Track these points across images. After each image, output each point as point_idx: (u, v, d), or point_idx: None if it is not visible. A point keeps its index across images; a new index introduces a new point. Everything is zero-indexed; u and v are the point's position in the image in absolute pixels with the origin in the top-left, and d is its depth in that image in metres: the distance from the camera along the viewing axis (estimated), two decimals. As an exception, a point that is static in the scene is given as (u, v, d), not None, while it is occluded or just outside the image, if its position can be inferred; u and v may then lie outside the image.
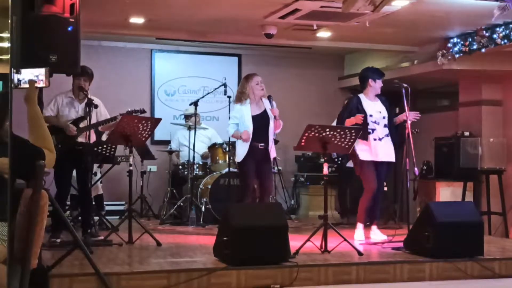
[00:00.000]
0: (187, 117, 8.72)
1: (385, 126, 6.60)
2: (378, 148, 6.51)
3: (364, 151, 6.49)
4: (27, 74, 3.41)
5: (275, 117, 6.51)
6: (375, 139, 6.51)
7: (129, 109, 6.59)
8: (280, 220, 5.24)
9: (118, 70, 9.36)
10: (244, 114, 6.52)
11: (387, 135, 6.59)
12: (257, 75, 6.68)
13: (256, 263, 4.94)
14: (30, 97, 3.37)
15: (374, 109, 6.58)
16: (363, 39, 8.38)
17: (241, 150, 6.53)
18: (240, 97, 6.62)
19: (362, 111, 6.51)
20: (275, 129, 6.59)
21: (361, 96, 6.69)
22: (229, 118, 6.76)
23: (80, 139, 6.22)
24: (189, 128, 8.16)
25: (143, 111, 6.72)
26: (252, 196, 6.65)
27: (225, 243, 5.00)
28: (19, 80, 3.39)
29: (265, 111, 6.59)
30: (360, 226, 6.59)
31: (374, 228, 6.65)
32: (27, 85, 3.39)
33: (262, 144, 6.51)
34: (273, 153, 6.66)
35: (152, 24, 7.62)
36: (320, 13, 6.75)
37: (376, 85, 6.65)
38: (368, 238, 6.53)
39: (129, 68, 9.45)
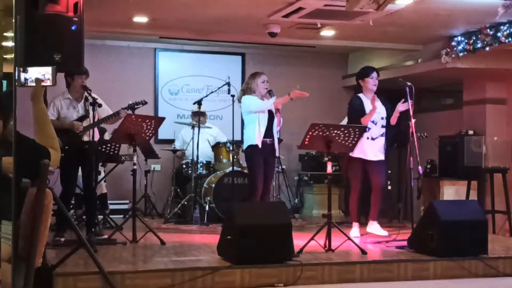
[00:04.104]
0: (194, 114, 8.68)
1: (382, 126, 6.59)
2: (367, 147, 6.49)
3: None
4: (34, 73, 3.42)
5: (278, 110, 6.66)
6: (367, 138, 6.49)
7: (131, 102, 6.58)
8: (284, 219, 5.24)
9: (122, 69, 9.38)
10: (259, 102, 6.62)
11: (381, 135, 6.59)
12: (264, 74, 6.75)
13: (260, 261, 4.94)
14: (36, 96, 3.38)
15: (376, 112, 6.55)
16: (367, 37, 8.37)
17: (255, 135, 6.55)
18: (247, 91, 6.73)
19: (363, 111, 6.50)
20: (277, 126, 6.74)
21: (361, 96, 6.66)
22: (245, 107, 6.70)
23: (85, 137, 6.22)
24: (193, 127, 8.15)
25: (145, 103, 6.71)
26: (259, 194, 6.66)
27: (229, 242, 5.00)
28: (26, 79, 3.40)
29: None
30: (355, 225, 6.66)
31: (374, 223, 6.63)
32: (33, 84, 3.40)
33: (271, 140, 6.67)
34: (277, 152, 6.77)
35: (156, 23, 7.63)
36: (324, 11, 6.75)
37: (365, 84, 6.62)
38: (365, 234, 6.54)
39: (133, 67, 9.46)
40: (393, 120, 6.59)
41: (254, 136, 6.57)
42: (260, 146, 6.56)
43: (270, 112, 6.70)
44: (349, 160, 6.54)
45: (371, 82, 6.60)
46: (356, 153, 6.42)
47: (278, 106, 6.61)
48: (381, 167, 6.57)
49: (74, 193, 6.55)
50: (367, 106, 6.54)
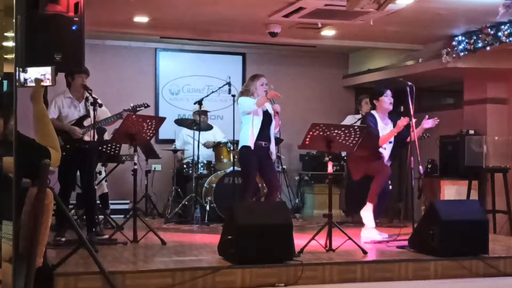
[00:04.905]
0: (196, 114, 8.68)
1: (391, 149, 6.58)
2: None
3: None
4: (33, 73, 3.42)
5: (277, 113, 6.71)
6: None
7: (132, 104, 6.59)
8: (284, 218, 5.23)
9: (122, 69, 9.38)
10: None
11: (390, 158, 6.59)
12: (264, 76, 6.81)
13: (260, 261, 4.94)
14: (36, 96, 3.39)
15: (384, 134, 6.50)
16: (368, 37, 8.37)
17: (248, 136, 6.61)
18: (244, 93, 6.78)
19: (377, 129, 6.45)
20: (275, 128, 6.82)
21: (375, 114, 6.59)
22: (240, 108, 6.78)
23: (86, 137, 6.23)
24: (194, 128, 8.15)
25: (147, 106, 6.72)
26: (255, 193, 6.70)
27: (230, 241, 5.00)
28: (25, 79, 3.40)
29: (267, 111, 6.77)
30: (370, 208, 6.40)
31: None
32: (33, 84, 3.40)
33: (266, 142, 6.71)
34: (273, 154, 6.86)
35: (156, 23, 7.63)
36: (324, 11, 6.75)
37: (380, 103, 6.54)
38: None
39: (133, 67, 9.46)
40: (413, 136, 6.30)
41: (247, 137, 6.62)
42: (252, 147, 6.59)
43: (267, 114, 6.73)
44: (368, 160, 6.47)
45: (387, 101, 6.52)
46: None
47: (278, 109, 6.67)
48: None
49: (72, 192, 6.52)
50: (380, 125, 6.51)
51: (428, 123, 6.45)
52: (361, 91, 9.59)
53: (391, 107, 6.58)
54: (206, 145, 8.56)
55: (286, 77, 9.89)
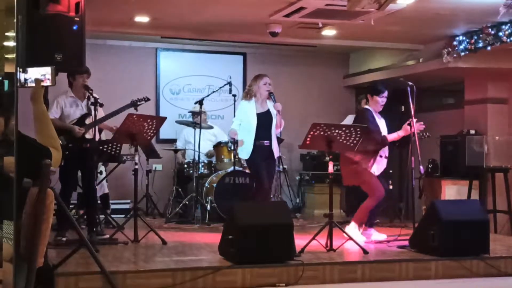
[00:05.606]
0: (194, 114, 8.71)
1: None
2: (379, 165, 6.46)
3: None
4: (33, 73, 3.42)
5: (278, 111, 6.67)
6: (381, 156, 6.44)
7: (133, 99, 6.60)
8: (285, 218, 5.24)
9: (123, 69, 9.38)
10: (249, 111, 6.67)
11: (386, 157, 6.57)
12: (267, 76, 6.81)
13: (261, 261, 4.94)
14: (36, 96, 3.39)
15: (381, 128, 6.49)
16: (368, 37, 8.37)
17: (246, 147, 6.65)
18: (247, 94, 6.79)
19: (376, 124, 6.42)
20: (277, 128, 6.77)
21: (371, 109, 6.54)
22: (234, 116, 6.90)
23: (87, 135, 6.24)
24: (194, 127, 8.16)
25: (147, 99, 6.73)
26: (266, 194, 6.67)
27: (231, 241, 5.00)
28: (25, 79, 3.40)
29: (268, 111, 6.75)
30: (355, 226, 6.33)
31: (372, 230, 6.59)
32: (33, 84, 3.40)
33: (267, 141, 6.68)
34: (276, 152, 6.81)
35: (157, 23, 7.63)
36: (325, 11, 6.75)
37: (373, 101, 6.49)
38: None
39: (134, 67, 9.46)
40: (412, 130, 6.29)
41: (246, 148, 6.67)
42: (252, 151, 6.61)
43: (266, 114, 6.70)
44: (364, 172, 6.37)
45: (380, 102, 6.47)
46: (371, 169, 6.39)
47: (278, 108, 6.67)
48: (382, 178, 6.56)
49: (73, 191, 6.52)
50: (378, 122, 6.50)
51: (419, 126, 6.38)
52: (361, 91, 9.58)
53: (380, 109, 6.54)
54: (208, 155, 8.57)
55: (286, 77, 9.89)
